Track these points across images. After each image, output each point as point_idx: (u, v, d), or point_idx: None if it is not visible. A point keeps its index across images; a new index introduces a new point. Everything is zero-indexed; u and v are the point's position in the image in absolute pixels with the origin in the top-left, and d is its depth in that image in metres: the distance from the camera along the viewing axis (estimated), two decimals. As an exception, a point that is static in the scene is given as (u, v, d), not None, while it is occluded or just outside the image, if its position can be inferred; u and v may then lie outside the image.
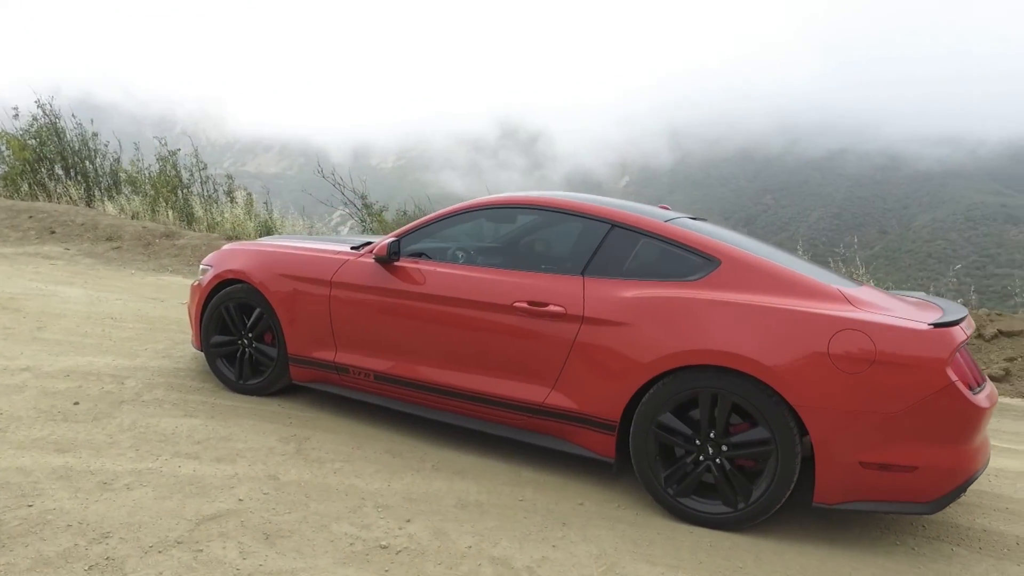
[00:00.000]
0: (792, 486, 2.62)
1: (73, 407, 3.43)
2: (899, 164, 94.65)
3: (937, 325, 2.56)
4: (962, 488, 2.57)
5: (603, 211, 3.17)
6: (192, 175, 12.27)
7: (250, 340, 3.80)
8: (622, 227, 3.08)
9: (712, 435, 2.71)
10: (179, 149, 12.75)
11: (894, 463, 2.51)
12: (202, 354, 4.36)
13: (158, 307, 6.01)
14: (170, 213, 10.42)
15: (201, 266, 4.10)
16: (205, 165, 13.03)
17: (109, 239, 9.16)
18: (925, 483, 2.52)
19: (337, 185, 12.10)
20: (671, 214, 3.39)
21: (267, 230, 9.99)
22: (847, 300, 2.72)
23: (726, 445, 2.69)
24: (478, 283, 3.15)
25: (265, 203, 12.07)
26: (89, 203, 11.71)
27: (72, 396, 3.57)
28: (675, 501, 2.78)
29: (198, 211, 10.37)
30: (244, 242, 4.28)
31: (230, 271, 3.79)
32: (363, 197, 12.16)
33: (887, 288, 5.32)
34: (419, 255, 3.43)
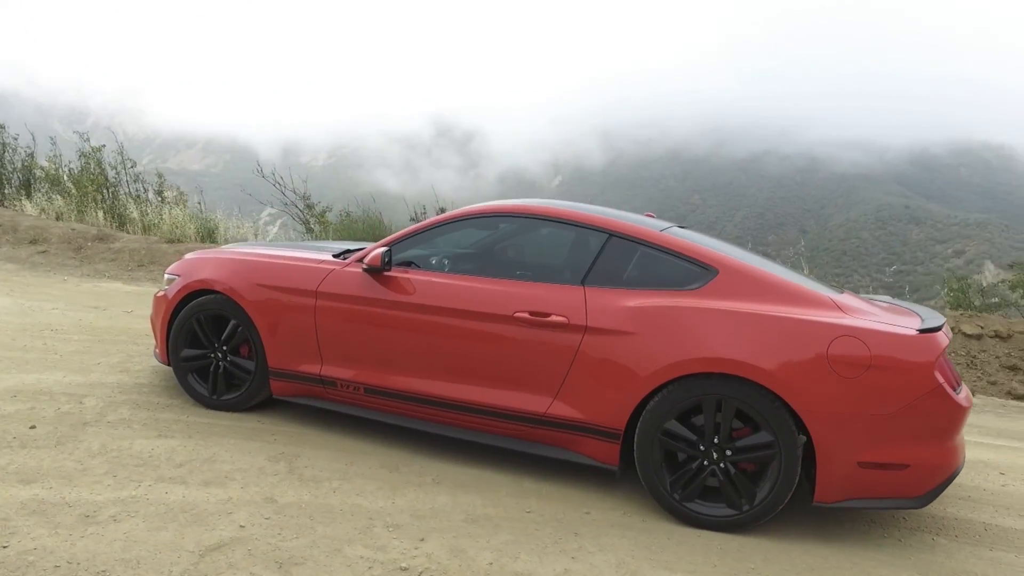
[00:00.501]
0: (794, 486, 2.71)
1: (29, 431, 3.15)
2: (817, 166, 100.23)
3: (923, 331, 2.71)
4: (948, 482, 2.74)
5: (600, 220, 3.18)
6: (118, 173, 11.56)
7: (225, 353, 3.60)
8: (620, 237, 3.10)
9: (716, 440, 2.77)
10: (103, 145, 12.00)
11: (888, 462, 2.64)
12: (166, 368, 4.11)
13: (101, 316, 5.62)
14: (100, 214, 9.76)
15: (166, 276, 3.86)
16: (134, 163, 12.31)
17: (33, 242, 8.49)
18: (916, 479, 2.67)
19: (277, 185, 11.70)
20: (663, 223, 3.44)
21: (209, 232, 9.52)
22: (838, 307, 2.85)
23: (730, 450, 2.76)
24: (476, 293, 3.10)
25: (199, 203, 11.52)
26: (1, 202, 10.83)
27: (25, 419, 3.28)
28: (681, 506, 2.83)
29: (132, 212, 9.75)
30: (211, 250, 4.06)
31: (201, 281, 3.58)
32: (305, 197, 11.80)
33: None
34: (408, 264, 3.35)
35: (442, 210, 11.39)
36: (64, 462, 2.88)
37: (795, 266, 8.66)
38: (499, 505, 2.86)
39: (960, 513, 3.22)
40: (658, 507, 2.92)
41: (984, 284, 10.17)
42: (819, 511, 3.00)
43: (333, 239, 9.72)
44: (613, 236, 3.11)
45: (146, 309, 6.03)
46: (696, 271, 2.97)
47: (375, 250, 3.25)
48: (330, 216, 11.89)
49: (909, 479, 2.67)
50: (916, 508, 2.72)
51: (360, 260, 3.36)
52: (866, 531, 2.96)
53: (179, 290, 3.64)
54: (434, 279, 3.20)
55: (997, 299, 9.23)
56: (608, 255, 3.08)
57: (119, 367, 4.22)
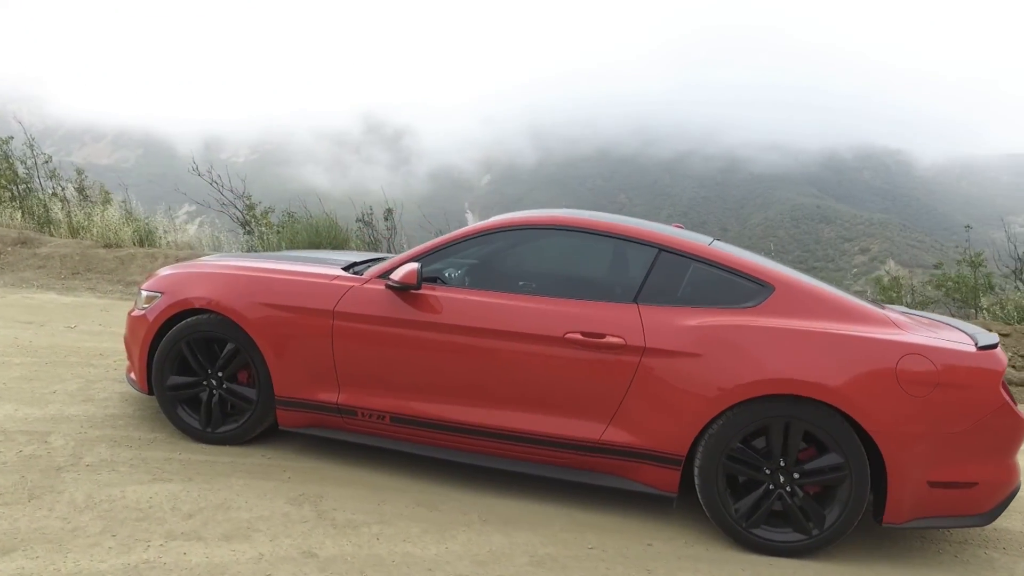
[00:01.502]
0: (864, 508, 2.63)
1: (-9, 481, 2.66)
2: (737, 167, 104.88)
3: (983, 348, 2.68)
4: (1011, 498, 2.72)
5: (647, 234, 3.01)
6: (28, 168, 10.50)
7: (220, 380, 3.19)
8: (670, 252, 2.93)
9: (783, 463, 2.65)
10: (11, 137, 10.88)
11: (958, 480, 2.60)
12: (139, 394, 3.64)
13: (41, 334, 4.96)
14: (18, 214, 8.78)
15: (143, 292, 3.38)
16: (48, 157, 11.22)
17: (-60, 247, 7.50)
18: (983, 496, 2.64)
19: (215, 184, 10.98)
20: (704, 236, 3.31)
21: (148, 235, 8.74)
22: (894, 324, 2.79)
23: (798, 473, 2.65)
24: (521, 313, 2.85)
25: (124, 201, 10.62)
26: None
27: (-18, 466, 2.78)
28: (748, 532, 2.69)
29: (56, 212, 8.82)
30: (191, 263, 3.59)
31: (192, 299, 3.16)
32: (246, 197, 11.14)
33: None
34: (433, 280, 3.05)
35: (389, 211, 10.92)
36: (46, 521, 2.43)
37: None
38: (558, 542, 2.63)
39: (998, 523, 3.23)
40: (720, 534, 2.77)
41: (913, 283, 10.78)
42: (871, 530, 2.94)
43: (287, 245, 9.14)
44: (663, 251, 2.94)
45: (91, 324, 5.41)
46: (752, 288, 2.84)
47: (406, 265, 2.93)
48: (272, 217, 11.25)
49: (976, 496, 2.64)
50: (981, 525, 2.70)
51: (383, 276, 3.04)
52: (919, 548, 2.92)
53: (164, 309, 3.20)
54: (471, 297, 2.93)
55: (898, 294, 9.77)
56: (660, 271, 2.90)
57: (80, 395, 3.69)
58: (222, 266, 3.34)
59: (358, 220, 10.58)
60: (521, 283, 3.08)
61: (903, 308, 3.57)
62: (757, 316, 2.76)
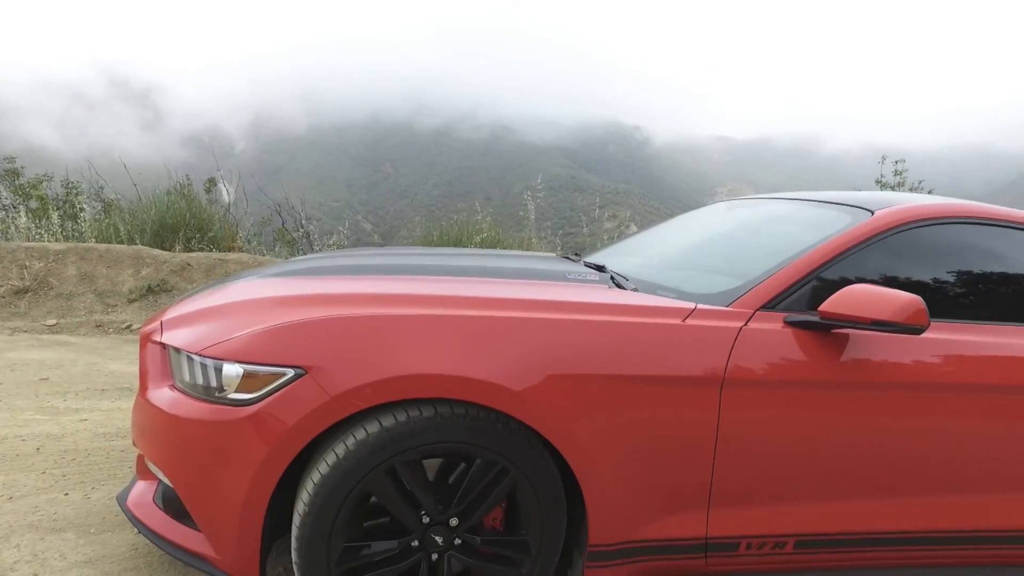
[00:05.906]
0: None
1: None
2: (501, 137, 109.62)
3: None
4: None
5: None
6: None
7: (450, 532, 1.59)
8: None
9: None
10: None
11: None
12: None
13: None
14: None
15: (233, 367, 1.54)
16: None
17: None
18: None
19: None
20: None
21: None
22: None
23: None
24: None
25: None
26: None
27: None
28: None
29: None
30: (303, 290, 1.77)
31: (422, 376, 1.48)
32: (7, 160, 7.96)
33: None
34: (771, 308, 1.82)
35: (211, 181, 8.40)
36: None
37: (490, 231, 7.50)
38: None
39: None
40: None
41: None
42: None
43: (125, 232, 6.51)
44: None
45: None
46: None
47: (892, 294, 1.61)
48: (47, 189, 8.19)
49: None
50: None
51: (774, 305, 1.73)
52: None
53: (328, 402, 1.47)
54: (974, 337, 1.82)
55: None
56: None
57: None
58: (418, 298, 1.68)
59: (169, 193, 7.96)
60: (962, 306, 1.99)
61: None
62: None
